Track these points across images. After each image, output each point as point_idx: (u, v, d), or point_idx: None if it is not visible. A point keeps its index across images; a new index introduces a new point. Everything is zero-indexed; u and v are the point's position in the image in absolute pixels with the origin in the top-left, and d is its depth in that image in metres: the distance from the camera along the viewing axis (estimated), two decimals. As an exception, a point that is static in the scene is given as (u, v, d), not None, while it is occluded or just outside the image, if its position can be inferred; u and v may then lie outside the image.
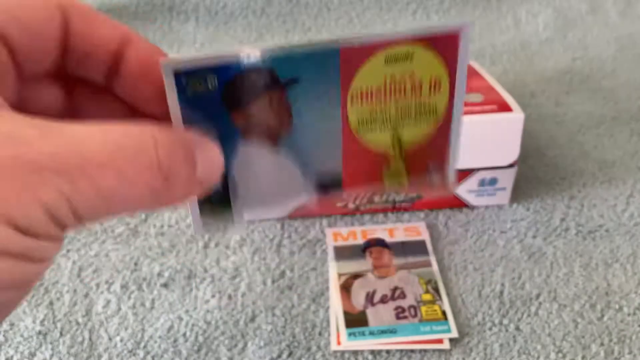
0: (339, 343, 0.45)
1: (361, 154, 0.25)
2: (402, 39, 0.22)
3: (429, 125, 0.25)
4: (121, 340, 0.45)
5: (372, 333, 0.45)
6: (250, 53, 0.19)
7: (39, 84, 0.19)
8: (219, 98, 0.20)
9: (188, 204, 0.22)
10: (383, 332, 0.45)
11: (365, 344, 0.44)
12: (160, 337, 0.45)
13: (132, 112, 0.20)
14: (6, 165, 0.14)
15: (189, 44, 0.83)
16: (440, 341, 0.44)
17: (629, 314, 0.47)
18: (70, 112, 0.20)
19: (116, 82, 0.20)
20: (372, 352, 0.44)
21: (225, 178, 0.22)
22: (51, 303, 0.48)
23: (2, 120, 0.15)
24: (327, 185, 0.25)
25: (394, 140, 0.25)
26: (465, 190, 0.56)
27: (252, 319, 0.46)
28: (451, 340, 0.45)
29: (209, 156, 0.18)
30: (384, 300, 0.48)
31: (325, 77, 0.22)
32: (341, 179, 0.25)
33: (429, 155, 0.27)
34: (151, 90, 0.19)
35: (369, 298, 0.48)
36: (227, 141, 0.21)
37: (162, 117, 0.20)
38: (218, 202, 0.23)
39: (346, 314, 0.46)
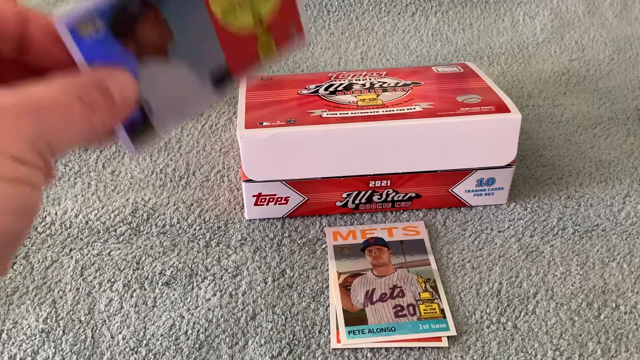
0: (338, 341, 0.45)
1: (235, 41, 0.29)
2: None
3: None
4: (123, 339, 0.46)
5: (371, 331, 0.45)
6: None
7: None
8: (109, 35, 0.25)
9: (118, 133, 0.26)
10: (382, 330, 0.45)
11: (365, 341, 0.45)
12: (162, 335, 0.46)
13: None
14: None
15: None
16: (438, 339, 0.45)
17: (625, 312, 0.47)
18: None
19: (27, 56, 0.25)
20: (372, 350, 0.44)
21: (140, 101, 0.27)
22: (54, 302, 0.48)
23: None
24: (221, 79, 0.30)
25: (255, 18, 0.29)
26: (463, 190, 0.56)
27: (253, 317, 0.47)
28: (449, 338, 0.45)
29: (120, 82, 0.24)
30: (383, 298, 0.48)
31: None
32: (228, 68, 0.30)
33: (287, 19, 0.31)
34: (60, 53, 0.24)
35: (369, 296, 0.48)
36: (130, 68, 0.26)
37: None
38: (140, 124, 0.27)
39: (346, 312, 0.47)
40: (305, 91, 0.58)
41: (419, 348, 0.44)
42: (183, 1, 0.27)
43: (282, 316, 0.47)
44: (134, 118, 0.27)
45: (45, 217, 0.56)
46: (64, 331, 0.46)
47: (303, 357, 0.44)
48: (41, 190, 0.22)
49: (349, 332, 0.45)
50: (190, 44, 0.28)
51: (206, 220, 0.56)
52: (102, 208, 0.57)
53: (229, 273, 0.51)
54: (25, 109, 0.21)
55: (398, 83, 0.59)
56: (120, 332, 0.46)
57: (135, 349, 0.45)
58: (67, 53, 0.24)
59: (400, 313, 0.47)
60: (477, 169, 0.55)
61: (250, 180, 0.54)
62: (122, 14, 0.24)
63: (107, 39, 0.24)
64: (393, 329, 0.45)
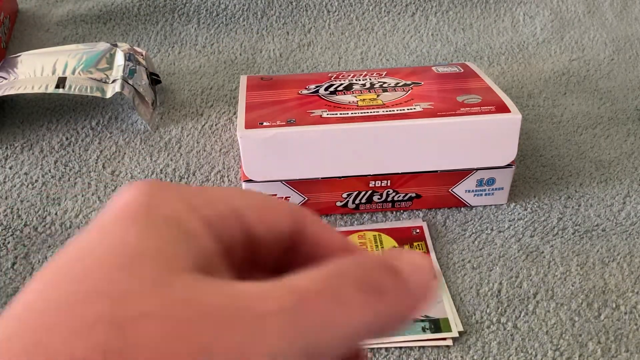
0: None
1: None
2: None
3: None
4: (124, 339, 0.45)
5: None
6: None
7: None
8: None
9: None
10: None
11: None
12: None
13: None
14: (237, 320, 0.15)
15: (191, 45, 0.83)
16: (442, 338, 0.45)
17: (625, 313, 0.47)
18: None
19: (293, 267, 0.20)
20: (372, 349, 0.44)
21: None
22: (54, 302, 0.48)
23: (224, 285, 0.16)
24: None
25: None
26: (463, 190, 0.56)
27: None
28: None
29: (414, 263, 0.18)
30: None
31: None
32: None
33: None
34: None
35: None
36: None
37: None
38: None
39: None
40: (305, 91, 0.58)
41: (419, 348, 0.44)
42: None
43: (282, 316, 0.47)
44: None
45: (45, 217, 0.56)
46: (64, 331, 0.46)
47: (303, 357, 0.44)
48: None
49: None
50: None
51: (206, 220, 0.56)
52: (102, 208, 0.57)
53: (229, 273, 0.51)
54: (277, 314, 0.15)
55: (398, 83, 0.59)
56: (120, 332, 0.46)
57: (136, 349, 0.45)
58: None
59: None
60: (477, 169, 0.55)
61: (250, 180, 0.54)
62: None
63: None
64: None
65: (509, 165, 0.55)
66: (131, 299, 0.15)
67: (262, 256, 0.20)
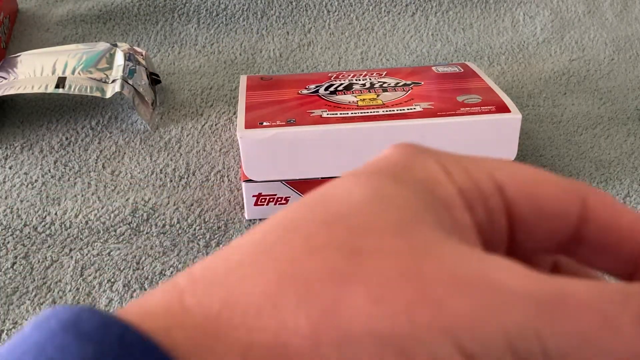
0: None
1: None
2: None
3: None
4: (123, 339, 0.45)
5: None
6: None
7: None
8: None
9: None
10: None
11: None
12: (162, 335, 0.46)
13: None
14: (477, 285, 0.14)
15: (190, 45, 0.83)
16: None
17: (625, 312, 0.47)
18: None
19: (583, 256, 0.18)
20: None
21: None
22: (54, 302, 0.48)
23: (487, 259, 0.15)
24: None
25: None
26: (463, 190, 0.56)
27: (253, 317, 0.47)
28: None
29: None
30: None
31: None
32: None
33: None
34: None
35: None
36: None
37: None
38: None
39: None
40: (305, 91, 0.58)
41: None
42: None
43: (282, 316, 0.47)
44: None
45: (45, 217, 0.56)
46: (64, 331, 0.46)
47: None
48: None
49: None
50: None
51: (206, 220, 0.56)
52: (102, 208, 0.57)
53: (229, 273, 0.51)
54: (531, 297, 0.14)
55: (398, 83, 0.59)
56: (120, 332, 0.46)
57: (136, 349, 0.45)
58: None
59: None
60: (477, 169, 0.55)
61: (250, 180, 0.54)
62: None
63: None
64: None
65: (509, 165, 0.55)
66: (371, 234, 0.14)
67: (523, 243, 0.17)
